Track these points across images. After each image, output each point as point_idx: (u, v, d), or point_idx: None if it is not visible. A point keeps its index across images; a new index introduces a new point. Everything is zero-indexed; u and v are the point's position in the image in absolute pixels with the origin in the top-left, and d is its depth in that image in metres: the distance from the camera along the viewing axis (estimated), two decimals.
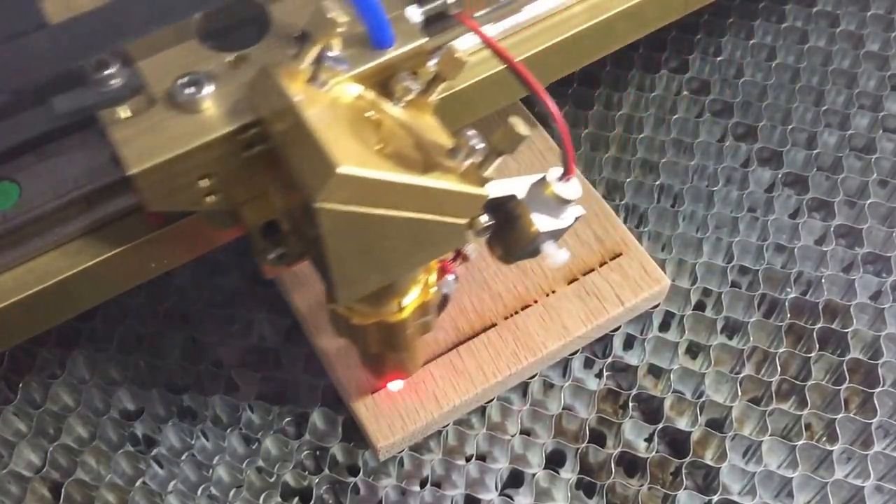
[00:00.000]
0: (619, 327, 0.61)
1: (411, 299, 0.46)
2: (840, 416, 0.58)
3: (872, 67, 0.73)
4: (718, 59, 0.74)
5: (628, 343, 0.62)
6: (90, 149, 0.41)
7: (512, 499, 0.56)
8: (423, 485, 0.57)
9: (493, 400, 0.59)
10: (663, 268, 0.62)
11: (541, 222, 0.41)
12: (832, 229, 0.65)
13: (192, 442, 0.58)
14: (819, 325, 0.62)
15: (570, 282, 0.59)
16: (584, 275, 0.60)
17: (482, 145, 0.37)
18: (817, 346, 0.61)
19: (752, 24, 0.76)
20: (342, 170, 0.33)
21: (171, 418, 0.59)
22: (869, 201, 0.66)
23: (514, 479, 0.58)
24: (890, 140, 0.70)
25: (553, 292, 0.59)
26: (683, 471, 0.57)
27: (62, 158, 0.40)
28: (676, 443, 0.59)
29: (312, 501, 0.57)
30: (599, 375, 0.61)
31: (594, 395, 0.60)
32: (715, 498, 0.56)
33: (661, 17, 0.53)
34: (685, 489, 0.56)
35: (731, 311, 0.63)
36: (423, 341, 0.52)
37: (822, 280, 0.63)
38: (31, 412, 0.59)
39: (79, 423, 0.59)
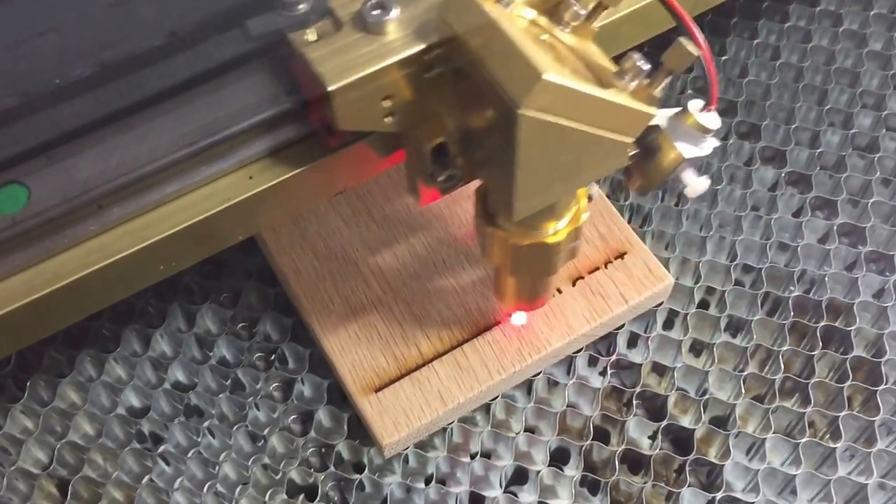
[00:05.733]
0: (623, 325, 0.61)
1: (565, 223, 0.48)
2: (843, 413, 0.58)
3: (875, 66, 0.73)
4: (723, 58, 0.74)
5: (632, 341, 0.62)
6: (97, 151, 0.41)
7: (516, 496, 0.57)
8: (427, 482, 0.57)
9: (497, 397, 0.59)
10: (667, 266, 0.62)
11: (684, 150, 0.44)
12: (835, 228, 0.66)
13: (199, 439, 0.59)
14: (822, 324, 0.62)
15: (575, 280, 0.60)
16: (589, 273, 0.60)
17: (647, 66, 0.40)
18: (820, 344, 0.61)
19: (755, 24, 0.76)
20: (547, 76, 0.36)
21: (177, 416, 0.59)
22: (872, 200, 0.66)
23: (519, 477, 0.58)
24: (893, 139, 0.70)
25: (559, 291, 0.59)
26: (687, 468, 0.57)
27: (71, 161, 0.41)
28: (680, 440, 0.59)
29: (318, 498, 0.57)
30: (603, 373, 0.61)
31: (598, 392, 0.60)
32: (718, 495, 0.56)
33: (663, 22, 0.53)
34: (689, 486, 0.56)
35: (734, 309, 0.63)
36: (540, 284, 0.54)
37: (826, 278, 0.63)
38: (38, 410, 0.59)
39: (86, 420, 0.59)
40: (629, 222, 0.64)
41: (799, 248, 0.65)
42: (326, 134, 0.44)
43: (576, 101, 0.38)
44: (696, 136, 0.44)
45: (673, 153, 0.44)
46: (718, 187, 0.67)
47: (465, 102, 0.41)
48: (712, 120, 0.44)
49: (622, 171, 0.46)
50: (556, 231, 0.48)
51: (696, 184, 0.45)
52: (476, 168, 0.45)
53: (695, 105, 0.44)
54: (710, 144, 0.44)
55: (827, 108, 0.71)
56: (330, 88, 0.39)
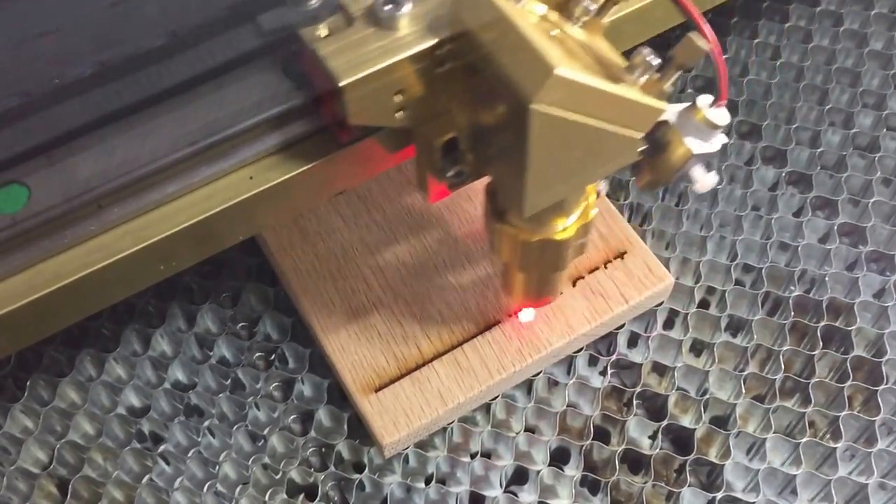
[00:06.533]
0: (624, 325, 0.61)
1: (574, 219, 0.48)
2: (843, 413, 0.58)
3: (876, 66, 0.73)
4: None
5: (632, 341, 0.62)
6: (97, 151, 0.41)
7: (516, 496, 0.57)
8: (427, 482, 0.57)
9: (497, 397, 0.59)
10: (667, 266, 0.62)
11: (693, 145, 0.44)
12: (836, 227, 0.66)
13: (199, 439, 0.59)
14: (823, 323, 0.62)
15: (575, 280, 0.60)
16: (589, 273, 0.60)
17: (657, 61, 0.40)
18: (821, 343, 0.61)
19: (756, 24, 0.76)
20: (559, 71, 0.36)
21: (177, 415, 0.59)
22: (872, 200, 0.66)
23: (519, 477, 0.58)
24: (893, 139, 0.70)
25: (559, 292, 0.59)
26: (687, 468, 0.57)
27: (71, 161, 0.41)
28: (680, 440, 0.59)
29: (318, 498, 0.57)
30: (604, 373, 0.61)
31: (598, 392, 0.60)
32: (719, 495, 0.56)
33: (669, 18, 0.53)
34: (689, 486, 0.56)
35: (734, 308, 0.63)
36: (552, 280, 0.54)
37: (826, 278, 0.63)
38: (38, 409, 0.59)
39: (86, 420, 0.59)
40: (629, 221, 0.64)
41: (799, 248, 0.65)
42: (338, 129, 0.44)
43: (587, 96, 0.38)
44: (706, 131, 0.44)
45: (682, 149, 0.44)
46: (719, 187, 0.67)
47: (477, 98, 0.42)
48: (721, 116, 0.44)
49: (628, 169, 0.45)
50: (565, 227, 0.48)
51: (705, 179, 0.45)
52: (486, 164, 0.45)
53: (704, 100, 0.44)
54: (719, 140, 0.44)
55: (828, 107, 0.71)
56: (342, 83, 0.39)
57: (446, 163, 0.45)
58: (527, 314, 0.59)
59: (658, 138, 0.44)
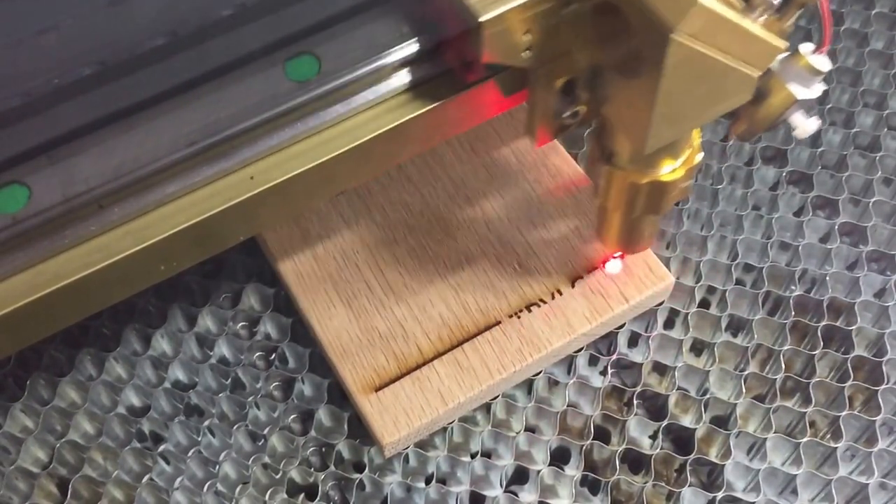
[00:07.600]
0: (624, 325, 0.61)
1: (681, 161, 0.49)
2: (844, 413, 0.58)
3: (877, 66, 0.73)
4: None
5: (633, 340, 0.62)
6: (98, 151, 0.41)
7: (517, 495, 0.57)
8: (428, 481, 0.57)
9: (497, 397, 0.59)
10: (668, 266, 0.62)
11: (795, 91, 0.45)
12: (836, 227, 0.66)
13: (199, 438, 0.59)
14: (823, 323, 0.62)
15: (575, 280, 0.60)
16: (590, 273, 0.60)
17: (777, 0, 0.41)
18: (821, 343, 0.61)
19: None
20: (703, 1, 0.37)
21: (177, 415, 0.59)
22: (873, 199, 0.66)
23: (519, 476, 0.58)
24: (894, 138, 0.70)
25: (559, 292, 0.59)
26: (688, 468, 0.57)
27: (72, 161, 0.41)
28: (681, 440, 0.59)
29: (318, 498, 0.57)
30: (604, 373, 0.61)
31: (599, 392, 0.60)
32: (719, 495, 0.56)
33: None
34: (689, 486, 0.56)
35: (735, 308, 0.63)
36: (650, 224, 0.55)
37: (827, 278, 0.63)
38: (38, 409, 0.59)
39: (86, 419, 0.59)
40: None
41: (800, 248, 0.65)
42: (463, 70, 0.45)
43: (721, 29, 0.38)
44: (807, 77, 0.45)
45: (784, 93, 0.45)
46: (719, 187, 0.67)
47: (604, 36, 0.42)
48: (823, 62, 0.45)
49: (726, 116, 0.46)
50: (673, 169, 0.49)
51: (805, 124, 0.46)
52: (602, 105, 0.45)
53: (806, 48, 0.45)
54: (819, 87, 0.45)
55: (828, 107, 0.71)
56: (481, 19, 0.40)
57: (563, 104, 0.45)
58: (613, 265, 0.60)
59: (759, 85, 0.45)
